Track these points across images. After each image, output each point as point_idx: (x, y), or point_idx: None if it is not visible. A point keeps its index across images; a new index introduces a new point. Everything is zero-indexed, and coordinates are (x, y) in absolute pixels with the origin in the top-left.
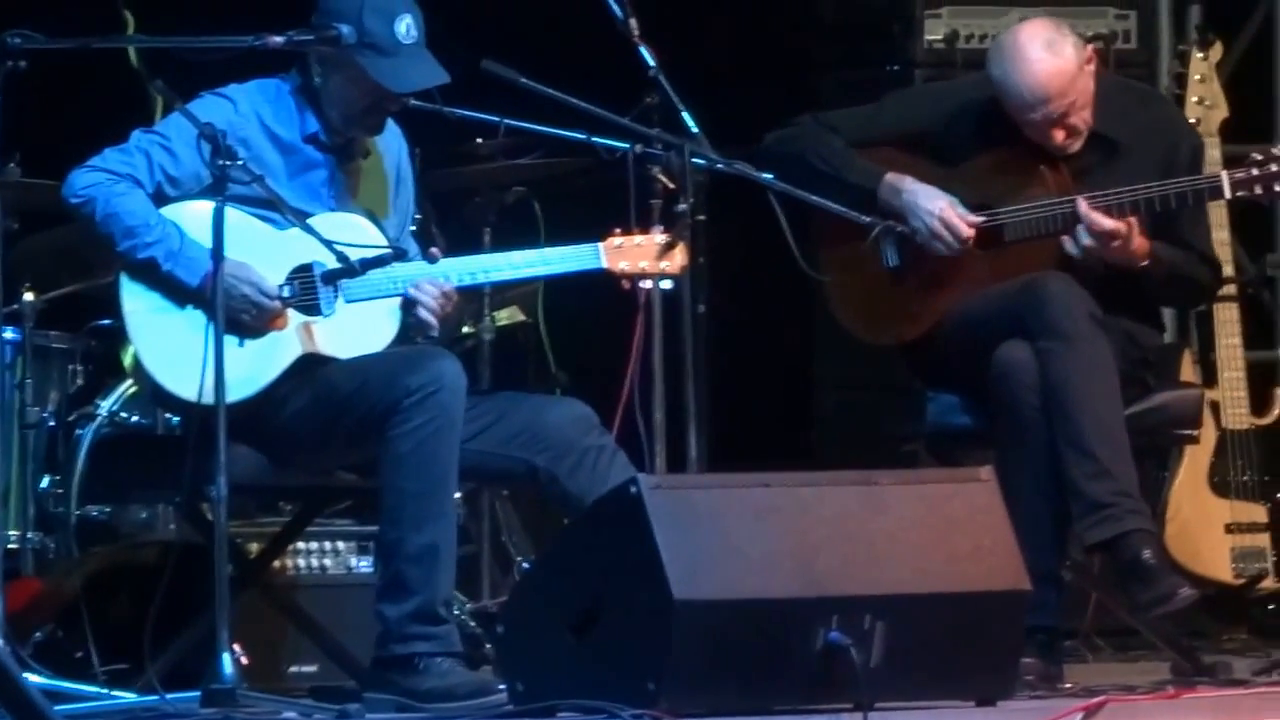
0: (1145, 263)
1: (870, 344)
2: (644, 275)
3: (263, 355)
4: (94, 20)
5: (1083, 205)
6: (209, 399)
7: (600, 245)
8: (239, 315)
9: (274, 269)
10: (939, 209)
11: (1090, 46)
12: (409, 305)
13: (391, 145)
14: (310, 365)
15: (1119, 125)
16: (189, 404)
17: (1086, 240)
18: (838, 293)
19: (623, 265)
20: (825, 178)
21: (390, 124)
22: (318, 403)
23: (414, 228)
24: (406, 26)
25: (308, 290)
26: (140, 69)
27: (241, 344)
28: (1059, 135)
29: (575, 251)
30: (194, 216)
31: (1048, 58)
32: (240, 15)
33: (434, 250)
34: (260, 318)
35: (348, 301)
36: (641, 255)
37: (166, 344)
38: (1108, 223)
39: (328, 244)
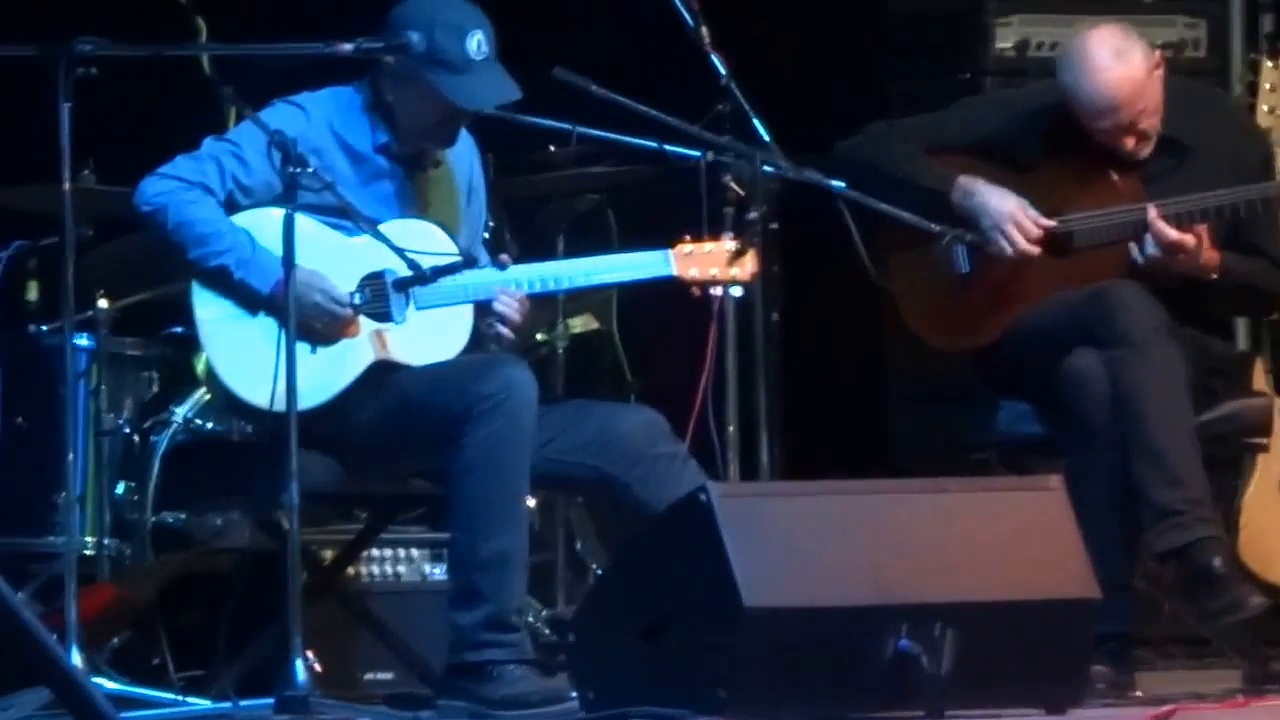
0: (1215, 276)
1: (940, 351)
2: (714, 282)
3: (335, 363)
4: (167, 27)
5: (1152, 213)
6: (281, 406)
7: (670, 252)
8: (311, 323)
9: (345, 276)
10: (1010, 210)
11: (1158, 51)
12: (483, 312)
13: (463, 155)
14: (382, 373)
15: (1188, 129)
16: (261, 411)
17: (1152, 250)
18: (907, 299)
19: (693, 272)
20: (897, 183)
21: (463, 132)
22: (389, 410)
23: (486, 235)
24: (478, 43)
25: (379, 298)
26: (212, 76)
27: (314, 351)
28: (1129, 142)
29: (645, 258)
30: (265, 224)
31: (1117, 65)
32: (313, 24)
33: (504, 257)
34: (332, 325)
35: (419, 309)
36: (711, 262)
37: (238, 351)
38: (1173, 234)
39: (399, 251)
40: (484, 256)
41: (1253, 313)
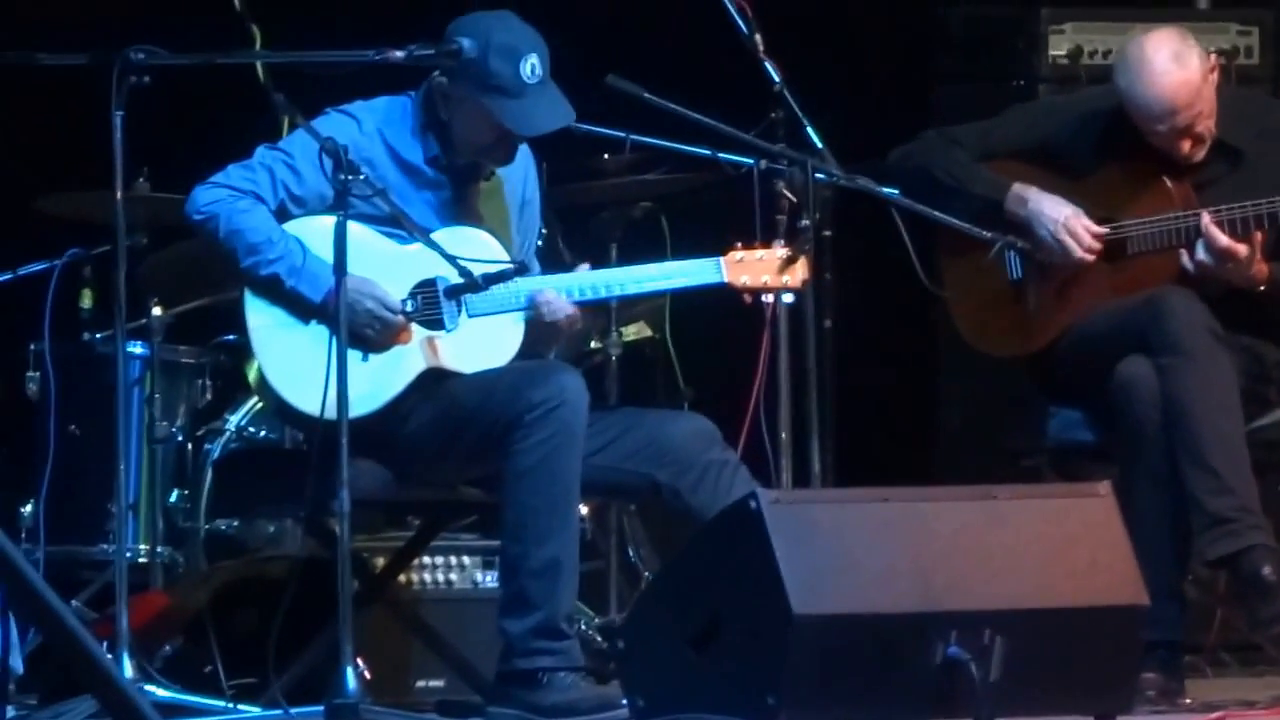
0: (1262, 287)
1: (992, 357)
2: (765, 289)
3: (386, 370)
4: (221, 35)
5: (1206, 218)
6: (331, 414)
7: (721, 259)
8: (363, 330)
9: (397, 284)
10: (1064, 217)
11: (1213, 55)
12: (538, 318)
13: (518, 165)
14: (434, 380)
15: (1242, 133)
16: (313, 419)
17: (1202, 256)
18: (960, 305)
19: (744, 279)
20: (950, 191)
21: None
22: (441, 417)
23: (540, 243)
24: (532, 66)
25: (431, 305)
26: (266, 84)
27: (365, 359)
28: (1185, 145)
29: (696, 266)
30: (317, 232)
31: (1174, 69)
32: (369, 34)
33: (583, 267)
34: (384, 333)
35: (471, 316)
36: (763, 269)
37: (290, 359)
38: (1224, 240)
39: (450, 259)
40: (536, 266)
41: None
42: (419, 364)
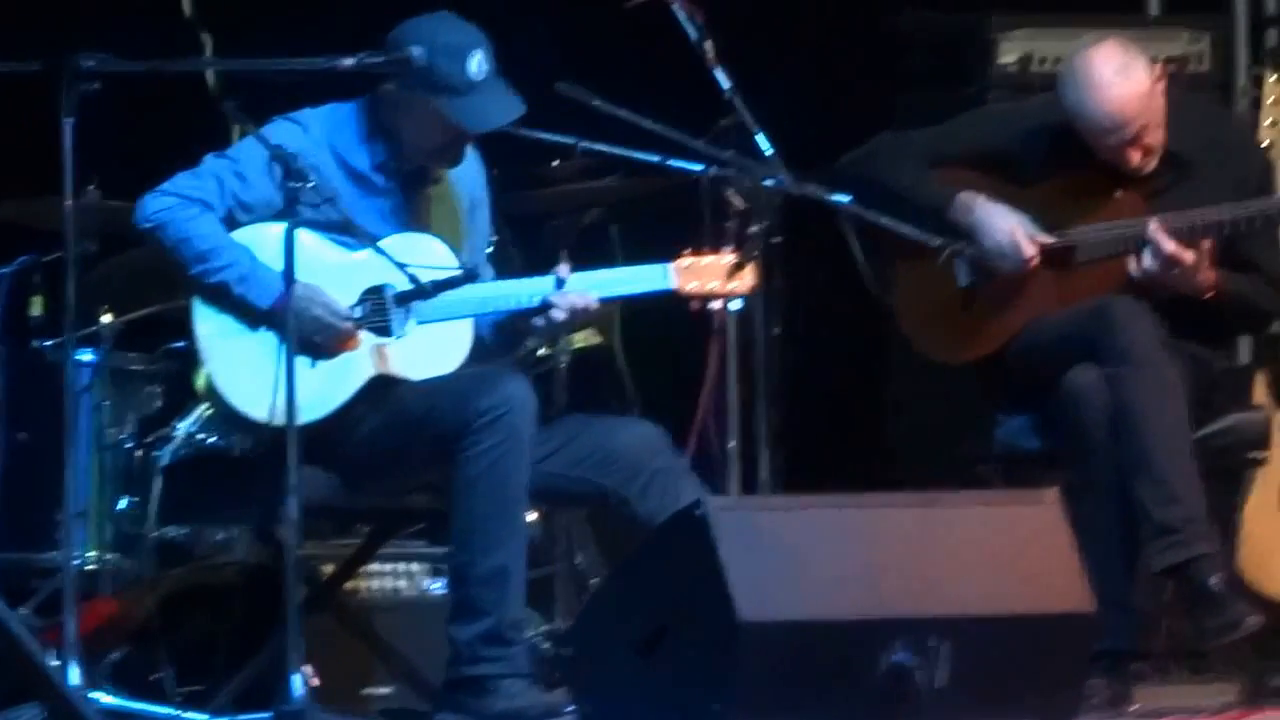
0: (1209, 295)
1: (940, 364)
2: (714, 295)
3: (335, 377)
4: (172, 42)
5: (1152, 225)
6: (280, 420)
7: (670, 265)
8: (311, 337)
9: (345, 291)
10: (1010, 225)
11: (1159, 64)
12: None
13: (467, 170)
14: (382, 387)
15: (1191, 143)
16: (261, 425)
17: (1149, 263)
18: (908, 311)
19: (692, 285)
20: (898, 199)
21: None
22: (389, 425)
23: (490, 249)
24: (478, 63)
25: (379, 312)
26: (216, 91)
27: (314, 365)
28: (1135, 156)
29: (645, 272)
30: (265, 240)
31: (1121, 82)
32: (318, 42)
33: (562, 268)
34: (332, 339)
35: (419, 323)
36: (711, 275)
37: (238, 366)
38: (1170, 246)
39: (399, 265)
40: (490, 270)
41: (1248, 332)
42: (367, 371)
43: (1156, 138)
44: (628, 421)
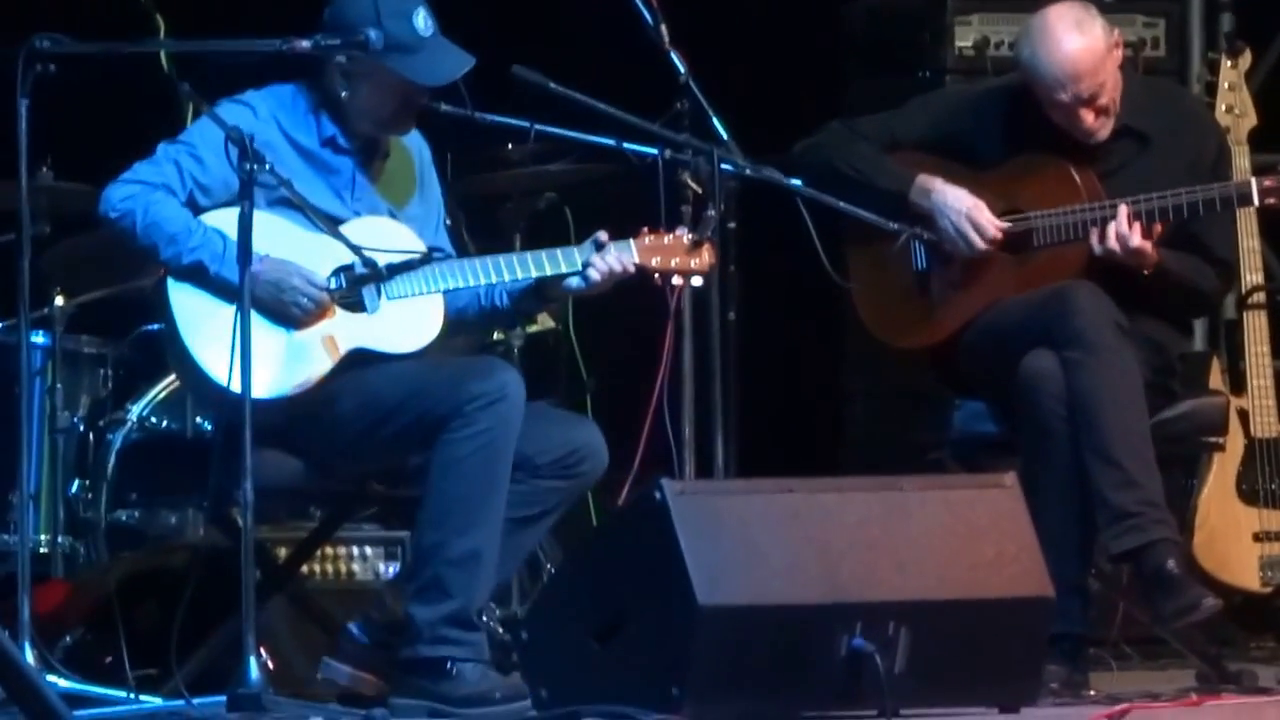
0: (1147, 272)
1: (895, 348)
2: (675, 271)
3: (312, 352)
4: (126, 23)
5: (1124, 210)
6: (258, 393)
7: (632, 241)
8: (289, 308)
9: (317, 267)
10: (967, 208)
11: (1117, 31)
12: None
13: (413, 142)
14: (358, 364)
15: (1148, 119)
16: (240, 398)
17: (1113, 245)
18: (864, 296)
19: (655, 261)
20: (855, 184)
21: None
22: (369, 401)
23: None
24: (424, 19)
25: (352, 287)
26: (170, 73)
27: (291, 335)
28: (1089, 117)
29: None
30: (233, 222)
31: (1077, 36)
32: (263, 20)
33: (601, 235)
34: (311, 309)
35: (390, 299)
36: (671, 253)
37: (218, 342)
38: (1137, 239)
39: (355, 248)
40: (448, 244)
41: (1186, 314)
42: (344, 345)
43: (1113, 100)
44: (583, 422)
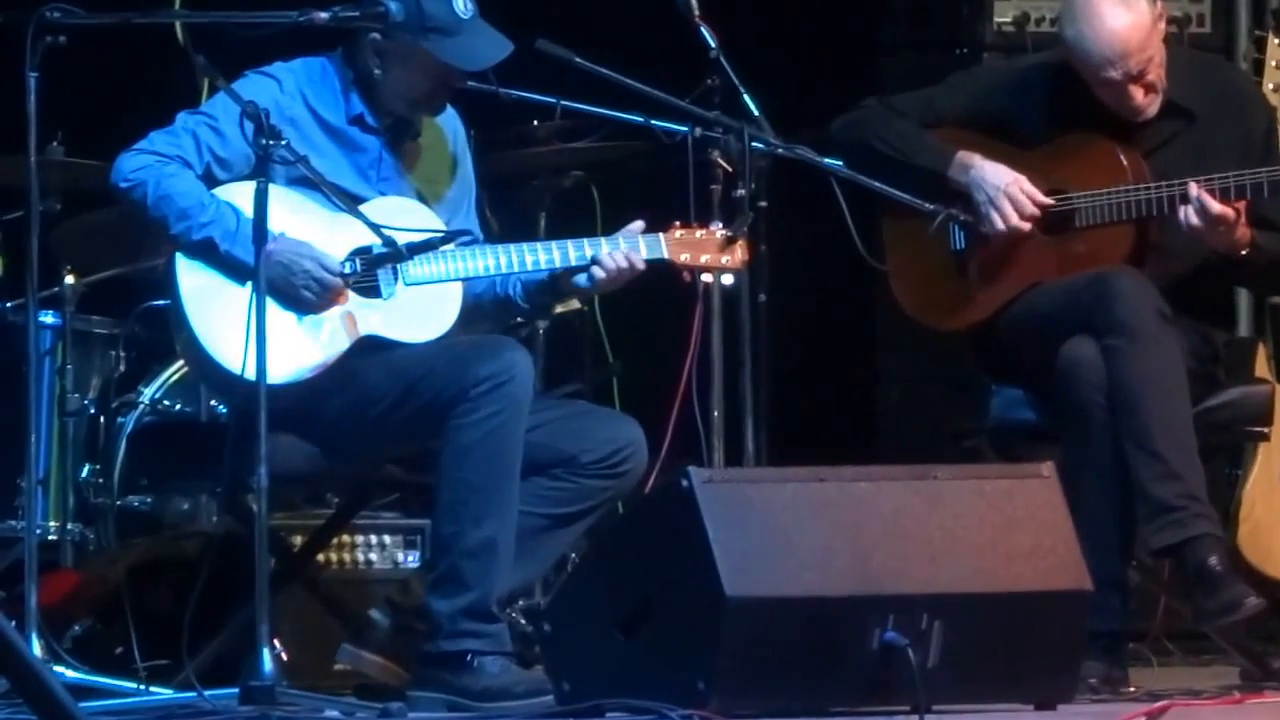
0: (1246, 251)
1: (931, 330)
2: (706, 268)
3: (323, 336)
4: None
5: (1195, 187)
6: (268, 379)
7: (662, 235)
8: (300, 292)
9: (335, 249)
10: (1006, 183)
11: (1160, 4)
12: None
13: (447, 123)
14: (370, 349)
15: (1194, 95)
16: (246, 383)
17: (1195, 220)
18: (899, 275)
19: (684, 257)
20: (892, 162)
21: None
22: (378, 387)
23: None
24: (464, 2)
25: (368, 271)
26: (186, 45)
27: (301, 319)
28: (1137, 94)
29: (636, 240)
30: (249, 196)
31: (1123, 11)
32: None
33: (638, 224)
34: (323, 294)
35: (407, 285)
36: (703, 248)
37: (225, 323)
38: (1217, 206)
39: (375, 227)
40: (476, 229)
41: (1273, 290)
42: (356, 330)
43: (1159, 76)
44: (626, 420)
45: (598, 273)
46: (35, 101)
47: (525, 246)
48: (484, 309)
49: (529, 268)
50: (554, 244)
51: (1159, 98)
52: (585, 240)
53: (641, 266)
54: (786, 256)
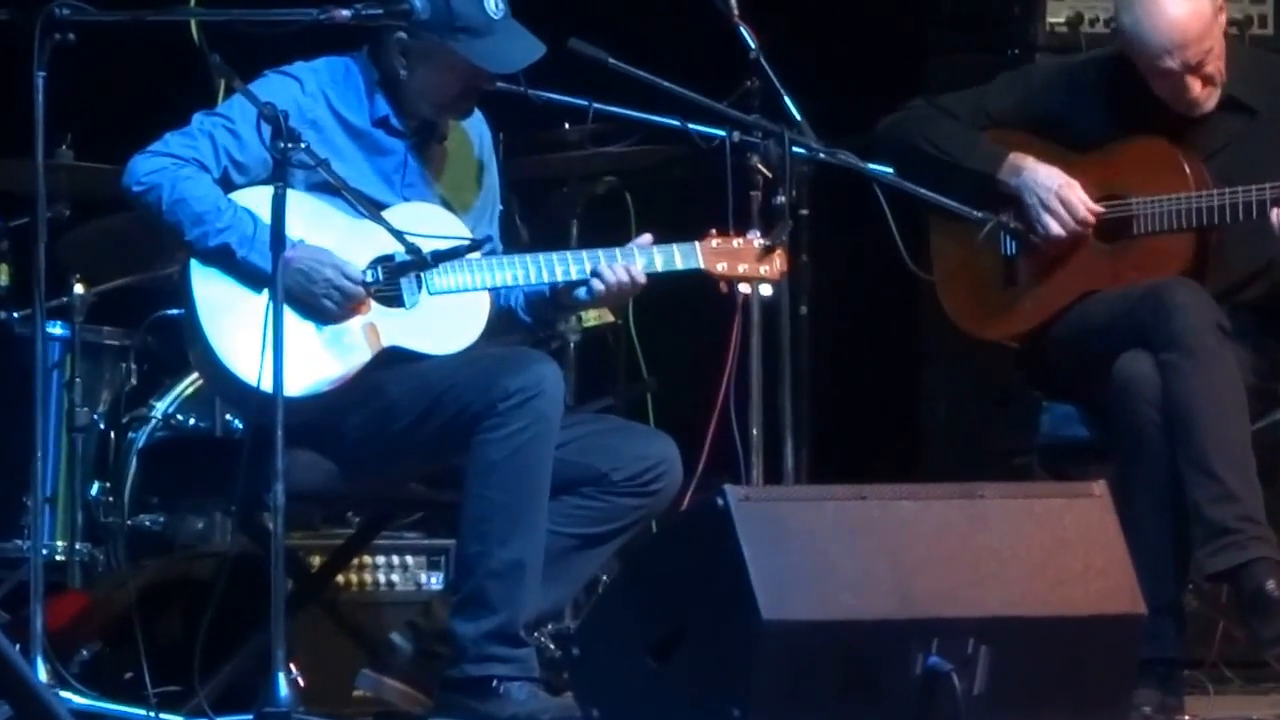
0: None
1: (980, 347)
2: (743, 279)
3: (343, 347)
4: None
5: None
6: (284, 391)
7: (697, 244)
8: (320, 301)
9: (356, 256)
10: (1057, 185)
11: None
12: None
13: (474, 127)
14: (393, 361)
15: (1254, 91)
16: (263, 396)
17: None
18: (947, 282)
19: (721, 267)
20: (940, 164)
21: None
22: (400, 401)
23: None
24: (496, 2)
25: (390, 280)
26: (201, 44)
27: (321, 329)
28: (1195, 86)
29: (671, 250)
30: (266, 202)
31: (1183, 0)
32: None
33: (646, 236)
34: (344, 302)
35: (431, 294)
36: (740, 258)
37: (241, 333)
38: None
39: (397, 234)
40: (498, 236)
41: None
42: (378, 342)
43: (1218, 68)
44: (659, 437)
45: (596, 285)
46: (43, 102)
47: (555, 256)
48: (509, 323)
49: (559, 278)
50: (569, 254)
51: (1217, 91)
52: (584, 252)
53: (643, 281)
54: (829, 267)
